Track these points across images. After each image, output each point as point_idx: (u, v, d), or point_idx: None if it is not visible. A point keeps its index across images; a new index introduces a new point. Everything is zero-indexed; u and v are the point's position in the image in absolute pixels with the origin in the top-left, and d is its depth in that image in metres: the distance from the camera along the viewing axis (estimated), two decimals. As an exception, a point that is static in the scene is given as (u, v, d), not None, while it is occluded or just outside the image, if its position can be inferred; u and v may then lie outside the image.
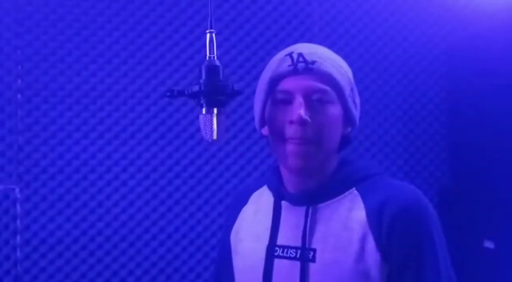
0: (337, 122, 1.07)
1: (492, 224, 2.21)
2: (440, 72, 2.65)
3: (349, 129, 1.12)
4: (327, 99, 1.05)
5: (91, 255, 2.32)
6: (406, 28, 2.62)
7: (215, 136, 0.99)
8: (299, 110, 1.02)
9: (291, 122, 1.03)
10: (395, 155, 2.60)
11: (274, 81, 1.07)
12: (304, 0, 2.51)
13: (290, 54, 1.07)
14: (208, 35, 1.04)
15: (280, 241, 1.10)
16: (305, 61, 1.05)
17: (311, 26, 2.52)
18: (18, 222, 2.25)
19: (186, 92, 1.01)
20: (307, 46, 1.12)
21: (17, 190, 2.25)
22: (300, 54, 1.06)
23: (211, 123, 0.98)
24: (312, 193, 1.09)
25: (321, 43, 2.48)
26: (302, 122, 1.02)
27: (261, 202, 1.19)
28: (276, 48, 2.52)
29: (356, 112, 1.11)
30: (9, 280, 2.23)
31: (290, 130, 1.03)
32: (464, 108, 2.49)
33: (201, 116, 1.00)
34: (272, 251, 1.10)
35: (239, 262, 1.19)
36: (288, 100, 1.05)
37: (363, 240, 1.03)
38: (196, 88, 0.99)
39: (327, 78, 1.05)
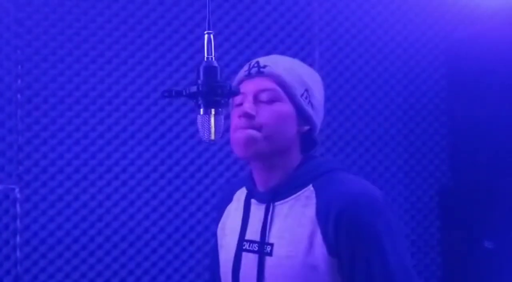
0: (285, 118, 1.16)
1: (492, 224, 2.21)
2: (440, 72, 2.65)
3: (306, 128, 1.19)
4: (275, 97, 1.16)
5: (91, 255, 2.32)
6: (406, 28, 2.62)
7: (212, 137, 1.00)
8: (246, 106, 1.15)
9: (239, 116, 1.15)
10: (395, 155, 2.60)
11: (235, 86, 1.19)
12: (304, 0, 2.51)
13: (249, 63, 1.22)
14: (206, 36, 1.04)
15: (248, 236, 1.20)
16: (258, 66, 1.19)
17: (311, 26, 2.52)
18: (18, 222, 2.25)
19: (184, 93, 1.01)
20: (270, 56, 1.27)
21: (17, 190, 2.26)
22: (256, 62, 1.20)
23: (209, 124, 0.99)
24: (273, 191, 1.18)
25: (321, 43, 2.51)
26: (246, 115, 1.14)
27: (240, 199, 1.28)
28: (276, 48, 2.54)
29: (312, 112, 1.19)
30: (9, 280, 2.24)
31: (238, 123, 1.15)
32: (464, 108, 2.49)
33: (198, 117, 1.01)
34: (240, 245, 1.21)
35: (222, 255, 1.29)
36: (242, 102, 1.17)
37: (312, 235, 1.09)
38: (194, 89, 1.00)
39: (277, 80, 1.16)
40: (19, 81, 2.27)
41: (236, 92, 1.05)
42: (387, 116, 2.60)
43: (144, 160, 2.37)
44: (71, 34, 2.32)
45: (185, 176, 2.41)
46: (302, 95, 1.17)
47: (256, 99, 1.16)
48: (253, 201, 1.23)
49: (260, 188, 1.21)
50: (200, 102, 1.00)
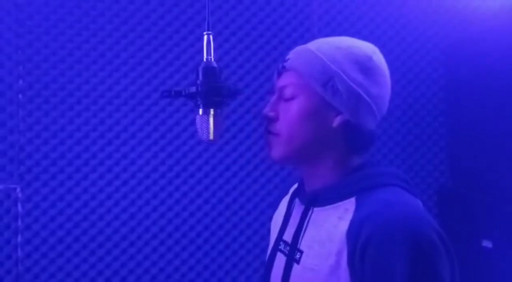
0: (306, 115, 1.04)
1: (490, 224, 2.21)
2: (439, 72, 2.66)
3: (340, 119, 1.04)
4: (294, 93, 1.05)
5: (92, 254, 2.33)
6: (406, 28, 2.63)
7: (211, 137, 1.00)
8: (267, 107, 1.09)
9: (262, 118, 1.10)
10: (394, 154, 2.61)
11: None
12: (304, 1, 2.52)
13: None
14: (205, 36, 1.05)
15: (285, 236, 1.13)
16: (283, 60, 1.10)
17: (310, 27, 2.53)
18: (19, 221, 2.26)
19: (183, 93, 1.02)
20: (313, 41, 1.13)
21: (18, 190, 2.26)
22: (289, 54, 1.11)
23: (208, 124, 0.99)
24: (315, 194, 1.08)
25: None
26: (265, 117, 1.08)
27: (290, 194, 1.22)
28: (276, 49, 2.55)
29: (341, 101, 1.03)
30: (10, 279, 2.24)
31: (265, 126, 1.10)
32: (463, 108, 2.49)
33: (197, 117, 1.01)
34: (277, 244, 1.15)
35: (269, 248, 1.23)
36: None
37: (339, 254, 0.96)
38: (193, 89, 1.00)
39: (296, 73, 1.06)
40: (20, 81, 2.27)
41: (236, 92, 1.05)
42: (386, 116, 2.59)
43: (144, 159, 2.38)
44: (72, 34, 2.32)
45: (185, 176, 2.42)
46: (325, 84, 1.03)
47: (280, 97, 1.08)
48: (296, 200, 1.16)
49: (307, 188, 1.13)
50: (199, 102, 1.01)
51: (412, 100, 2.64)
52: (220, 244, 2.44)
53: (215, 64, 1.03)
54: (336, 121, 1.04)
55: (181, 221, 2.41)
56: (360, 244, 0.92)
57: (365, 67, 1.06)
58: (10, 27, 2.27)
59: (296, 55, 1.08)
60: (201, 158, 2.43)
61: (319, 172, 1.08)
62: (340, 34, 2.52)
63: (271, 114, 1.07)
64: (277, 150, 1.06)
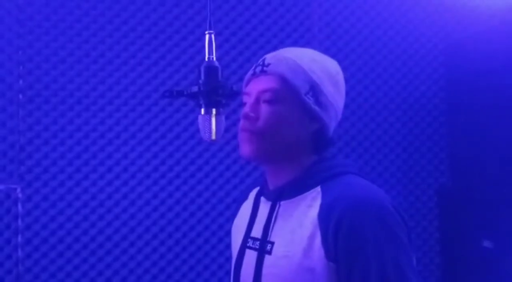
0: (287, 119, 1.12)
1: (491, 224, 2.21)
2: (439, 72, 2.66)
3: (315, 127, 1.14)
4: (276, 97, 1.11)
5: (92, 254, 2.33)
6: (406, 28, 2.63)
7: (213, 137, 1.00)
8: (247, 107, 1.13)
9: (242, 117, 1.13)
10: (394, 155, 2.61)
11: (244, 85, 1.19)
12: (304, 1, 2.52)
13: (259, 60, 1.17)
14: (207, 36, 1.05)
15: (253, 233, 1.19)
16: (262, 64, 1.15)
17: (310, 27, 2.53)
18: (20, 221, 2.26)
19: (185, 93, 1.02)
20: (282, 50, 1.20)
21: (18, 190, 2.26)
22: (264, 59, 1.16)
23: (210, 124, 1.00)
24: (281, 190, 1.15)
25: (320, 43, 2.52)
26: (246, 117, 1.12)
27: (252, 197, 1.28)
28: (276, 49, 2.53)
29: (320, 110, 1.13)
30: (10, 279, 2.24)
31: (241, 124, 1.13)
32: (463, 109, 2.49)
33: (200, 117, 1.01)
34: (245, 242, 1.20)
35: (232, 251, 1.28)
36: (246, 102, 1.16)
37: (312, 237, 1.06)
38: (195, 89, 1.00)
39: (279, 79, 1.12)
40: (20, 81, 2.27)
41: (238, 92, 1.05)
42: (386, 116, 2.61)
43: (144, 159, 2.38)
44: (72, 34, 2.32)
45: (186, 176, 2.41)
46: (307, 93, 1.12)
47: (259, 100, 1.13)
48: (262, 198, 1.22)
49: (271, 186, 1.20)
50: (201, 102, 1.01)
51: (412, 100, 2.63)
52: (220, 244, 2.43)
53: (217, 64, 1.03)
54: (312, 127, 1.14)
55: (181, 221, 2.41)
56: (332, 224, 1.04)
57: (334, 80, 1.18)
58: (10, 27, 2.27)
59: (277, 61, 1.14)
60: (201, 158, 2.43)
61: (284, 170, 1.16)
62: (340, 34, 2.56)
63: (252, 115, 1.12)
64: (252, 147, 1.12)
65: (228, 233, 2.41)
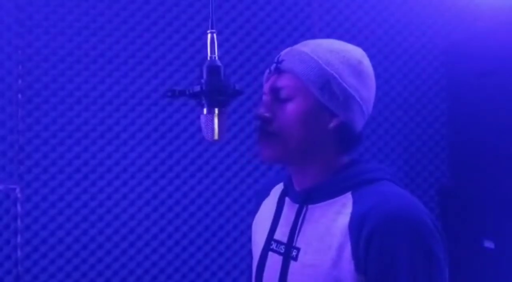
0: (303, 117, 1.06)
1: (492, 224, 2.21)
2: (440, 72, 2.65)
3: (335, 123, 1.07)
4: (290, 95, 1.06)
5: (92, 255, 2.32)
6: (406, 28, 2.63)
7: (216, 136, 0.99)
8: (261, 107, 1.09)
9: (257, 118, 1.10)
10: (395, 154, 2.60)
11: (264, 84, 1.15)
12: (304, 1, 2.52)
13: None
14: (209, 35, 1.04)
15: (277, 235, 1.14)
16: (277, 61, 1.10)
17: (311, 27, 2.52)
18: (19, 221, 2.25)
19: (187, 92, 1.01)
20: (300, 44, 1.14)
21: (17, 190, 2.25)
22: (279, 56, 1.11)
23: (212, 123, 0.99)
24: (308, 192, 1.10)
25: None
26: (259, 117, 1.08)
27: (276, 195, 1.21)
28: (277, 48, 2.54)
29: (338, 104, 1.06)
30: (10, 279, 2.24)
31: (258, 125, 1.10)
32: (464, 108, 2.49)
33: (202, 116, 1.00)
34: (268, 245, 1.14)
35: (253, 251, 1.23)
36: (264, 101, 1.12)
37: (341, 247, 1.00)
38: (197, 88, 0.99)
39: (292, 76, 1.07)
40: (20, 81, 2.27)
41: (240, 92, 1.04)
42: (387, 116, 2.61)
43: (144, 159, 2.37)
44: (71, 34, 2.32)
45: (186, 176, 2.41)
46: (322, 87, 1.05)
47: (275, 98, 1.08)
48: (287, 199, 1.16)
49: (297, 187, 1.14)
50: (203, 101, 1.00)
51: (413, 100, 2.63)
52: (220, 245, 2.43)
53: (219, 63, 1.02)
54: (332, 123, 1.07)
55: (182, 221, 2.40)
56: (364, 236, 0.97)
57: (357, 70, 1.10)
58: (10, 26, 2.26)
59: (290, 57, 1.09)
60: (201, 158, 2.42)
61: (310, 171, 1.10)
62: (340, 34, 2.55)
63: (267, 115, 1.08)
64: (273, 150, 1.08)
65: (229, 233, 2.43)
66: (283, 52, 1.12)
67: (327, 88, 1.05)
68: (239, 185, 2.43)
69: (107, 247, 2.33)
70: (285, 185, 1.19)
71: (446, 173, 2.63)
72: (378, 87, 2.80)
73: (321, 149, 1.09)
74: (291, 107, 1.06)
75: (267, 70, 1.13)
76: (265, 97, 1.11)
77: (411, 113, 2.63)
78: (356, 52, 1.14)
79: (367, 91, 1.11)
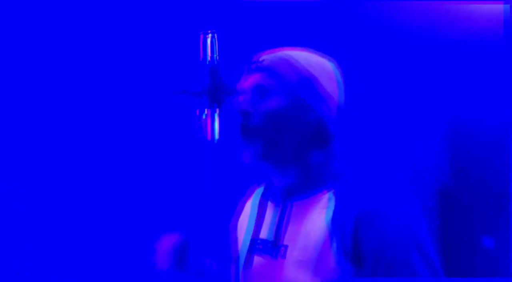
0: (283, 112, 1.10)
1: (491, 223, 2.22)
2: (440, 73, 2.66)
3: (313, 119, 1.12)
4: (270, 91, 1.11)
5: (91, 255, 2.32)
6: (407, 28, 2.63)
7: (217, 136, 1.00)
8: (241, 103, 1.13)
9: (238, 114, 1.13)
10: (396, 154, 2.61)
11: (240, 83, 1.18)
12: (303, 1, 2.52)
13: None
14: (210, 36, 1.05)
15: (262, 234, 1.16)
16: (257, 61, 1.16)
17: (310, 27, 2.53)
18: (18, 221, 2.25)
19: (188, 92, 1.02)
20: (278, 49, 1.19)
21: (17, 190, 2.26)
22: (258, 56, 1.17)
23: (213, 123, 0.99)
24: (290, 188, 1.13)
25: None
26: (241, 112, 1.11)
27: (258, 195, 1.26)
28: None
29: (317, 102, 1.12)
30: (9, 279, 2.24)
31: (239, 121, 1.13)
32: (464, 109, 2.49)
33: (203, 116, 1.01)
34: (253, 244, 1.17)
35: (234, 251, 1.26)
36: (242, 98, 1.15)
37: (327, 241, 1.02)
38: (198, 88, 1.00)
39: (272, 73, 1.12)
40: (18, 81, 2.27)
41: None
42: (388, 116, 2.61)
43: (144, 160, 2.38)
44: (71, 34, 2.32)
45: (185, 176, 2.41)
46: (301, 85, 1.11)
47: (254, 95, 1.12)
48: (270, 198, 1.19)
49: (277, 184, 1.17)
50: (204, 101, 1.00)
51: (413, 100, 2.64)
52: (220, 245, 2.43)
53: (220, 64, 1.03)
54: (310, 119, 1.12)
55: (181, 222, 2.40)
56: (349, 228, 1.01)
57: (332, 76, 1.17)
58: (9, 26, 2.26)
59: (272, 57, 1.15)
60: (201, 158, 2.42)
61: (290, 168, 1.13)
62: (341, 34, 2.54)
63: (248, 110, 1.11)
64: (253, 148, 1.11)
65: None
66: (263, 53, 1.17)
67: (306, 87, 1.11)
68: (239, 185, 2.43)
69: (107, 247, 2.33)
70: (265, 188, 1.24)
71: (446, 173, 2.63)
72: (378, 87, 2.79)
73: (301, 144, 1.12)
74: (271, 103, 1.10)
75: (246, 69, 1.18)
76: (245, 95, 1.14)
77: (411, 114, 2.64)
78: (331, 63, 1.20)
79: (341, 93, 1.19)
